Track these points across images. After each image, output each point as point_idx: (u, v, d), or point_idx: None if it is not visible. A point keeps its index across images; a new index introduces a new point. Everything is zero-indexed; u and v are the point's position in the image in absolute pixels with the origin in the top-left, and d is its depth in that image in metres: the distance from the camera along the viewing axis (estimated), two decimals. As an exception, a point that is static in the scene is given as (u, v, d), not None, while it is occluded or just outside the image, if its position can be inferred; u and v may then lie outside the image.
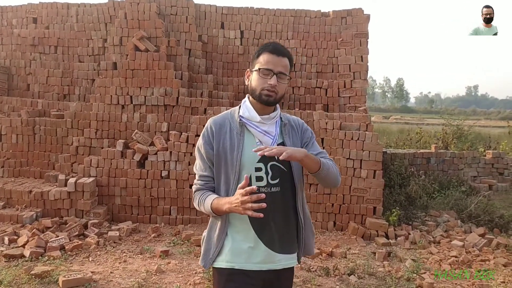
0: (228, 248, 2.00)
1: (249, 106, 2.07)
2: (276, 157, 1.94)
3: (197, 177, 2.11)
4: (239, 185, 1.83)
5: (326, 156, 2.14)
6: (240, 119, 2.04)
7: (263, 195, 1.78)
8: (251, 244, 1.98)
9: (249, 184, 1.87)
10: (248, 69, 2.12)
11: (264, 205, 1.76)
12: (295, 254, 2.11)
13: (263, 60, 1.99)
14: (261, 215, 1.76)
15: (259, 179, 1.97)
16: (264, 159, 1.97)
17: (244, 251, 1.98)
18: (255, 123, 2.03)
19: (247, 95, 2.13)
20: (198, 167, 2.11)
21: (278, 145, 2.03)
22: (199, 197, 2.05)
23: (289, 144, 2.07)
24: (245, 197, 1.77)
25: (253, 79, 2.04)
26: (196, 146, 2.12)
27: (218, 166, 2.03)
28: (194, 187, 2.12)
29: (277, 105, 2.12)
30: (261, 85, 1.98)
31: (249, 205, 1.76)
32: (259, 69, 1.99)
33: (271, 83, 1.96)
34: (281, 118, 2.12)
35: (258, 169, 1.98)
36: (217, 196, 2.00)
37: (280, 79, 1.99)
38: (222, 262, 2.00)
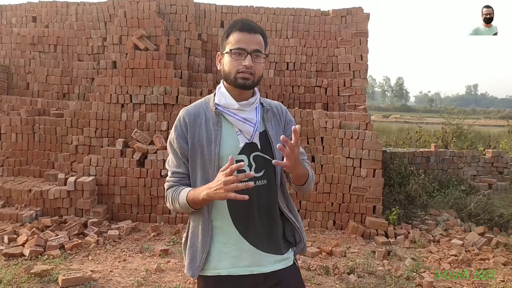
0: (214, 253, 1.82)
1: (225, 93, 1.86)
2: (259, 146, 1.82)
3: (169, 174, 1.90)
4: (221, 169, 1.62)
5: (305, 159, 1.98)
6: (216, 108, 1.84)
7: (251, 184, 1.58)
8: (235, 244, 1.80)
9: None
10: (218, 53, 1.91)
11: (251, 184, 1.58)
12: (289, 254, 1.92)
13: (233, 39, 1.79)
14: (246, 197, 1.57)
15: (241, 173, 1.71)
16: (246, 149, 1.81)
17: (229, 254, 1.80)
18: (233, 111, 1.83)
19: (221, 81, 1.92)
20: (171, 163, 1.90)
21: (260, 133, 1.85)
22: (172, 193, 1.84)
23: (271, 133, 1.88)
24: (230, 177, 1.56)
25: (225, 63, 1.83)
26: (168, 140, 1.91)
27: (194, 162, 1.83)
28: (166, 185, 1.90)
29: (256, 89, 1.91)
30: (235, 67, 1.78)
31: (233, 185, 1.55)
32: (231, 50, 1.78)
33: (246, 64, 1.76)
34: (262, 103, 1.93)
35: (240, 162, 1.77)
36: (192, 188, 1.79)
37: (256, 58, 1.79)
38: (208, 270, 1.82)
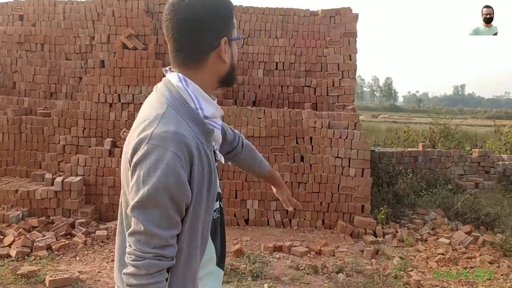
0: None
1: (206, 97, 1.32)
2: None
3: (160, 241, 1.20)
4: None
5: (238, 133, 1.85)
6: (207, 124, 1.31)
7: None
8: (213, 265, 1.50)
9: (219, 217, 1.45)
10: (225, 38, 1.32)
11: None
12: None
13: (235, 24, 1.37)
14: None
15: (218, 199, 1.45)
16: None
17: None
18: (216, 120, 1.39)
19: (182, 77, 1.31)
20: (161, 222, 1.19)
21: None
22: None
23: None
24: None
25: (234, 53, 1.38)
26: (159, 188, 1.18)
27: (196, 216, 1.27)
28: (153, 258, 1.20)
29: None
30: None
31: None
32: (242, 38, 1.42)
33: None
34: None
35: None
36: None
37: None
38: None
